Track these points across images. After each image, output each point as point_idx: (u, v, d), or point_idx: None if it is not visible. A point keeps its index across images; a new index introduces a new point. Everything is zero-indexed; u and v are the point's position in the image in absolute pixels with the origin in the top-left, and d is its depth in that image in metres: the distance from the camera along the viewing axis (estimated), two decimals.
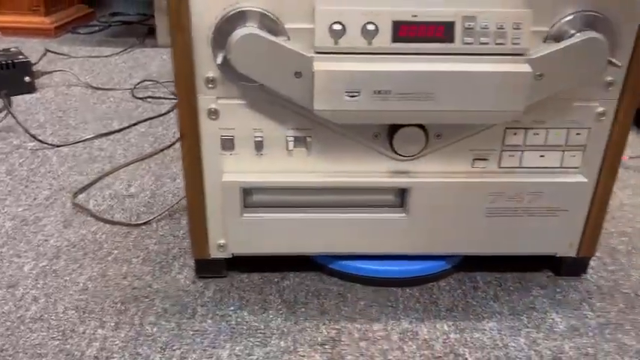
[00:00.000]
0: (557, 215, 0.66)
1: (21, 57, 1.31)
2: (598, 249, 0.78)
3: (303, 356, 0.60)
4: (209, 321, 0.64)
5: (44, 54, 1.55)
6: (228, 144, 0.62)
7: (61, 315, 0.64)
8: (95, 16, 2.16)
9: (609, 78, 0.60)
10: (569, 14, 0.57)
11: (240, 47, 0.54)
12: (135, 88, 1.37)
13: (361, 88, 0.55)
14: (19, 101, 1.28)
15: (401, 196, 0.66)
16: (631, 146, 1.12)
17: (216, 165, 0.63)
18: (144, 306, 0.66)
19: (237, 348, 0.60)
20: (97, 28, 1.98)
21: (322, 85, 0.55)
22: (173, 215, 0.85)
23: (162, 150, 1.05)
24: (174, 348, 0.60)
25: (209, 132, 0.61)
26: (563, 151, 0.64)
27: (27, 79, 1.32)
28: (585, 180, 0.64)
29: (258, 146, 0.62)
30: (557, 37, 0.57)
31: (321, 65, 0.55)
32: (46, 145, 1.07)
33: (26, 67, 1.32)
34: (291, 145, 0.62)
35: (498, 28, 0.55)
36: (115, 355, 0.59)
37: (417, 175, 0.64)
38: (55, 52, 1.62)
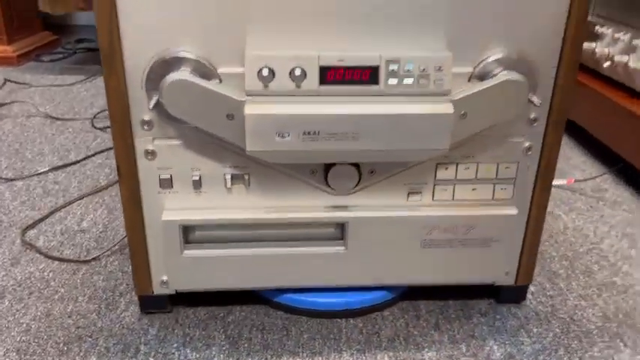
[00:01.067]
0: (490, 246, 0.68)
1: None
2: (539, 274, 0.81)
3: None
4: (151, 359, 0.64)
5: (3, 84, 1.54)
6: (166, 183, 0.63)
7: (2, 358, 0.64)
8: (60, 42, 2.16)
9: (533, 115, 0.63)
10: (492, 56, 0.59)
11: (171, 92, 0.56)
12: (95, 117, 1.37)
13: (291, 129, 0.57)
14: None
15: (341, 230, 0.67)
16: (579, 169, 1.16)
17: (156, 203, 0.64)
18: (87, 345, 0.66)
19: None
20: (61, 55, 1.98)
21: (253, 127, 0.56)
22: (123, 250, 0.85)
23: (116, 182, 1.06)
24: None
25: (147, 172, 0.62)
26: (494, 184, 0.66)
27: None
28: (516, 212, 0.67)
29: (197, 185, 0.63)
30: (482, 77, 0.60)
31: (251, 108, 0.56)
32: None
33: None
34: (229, 182, 0.63)
35: (421, 71, 0.57)
36: None
37: (355, 209, 0.66)
38: (15, 82, 1.62)
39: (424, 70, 0.57)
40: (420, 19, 0.57)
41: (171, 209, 0.64)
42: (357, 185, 0.64)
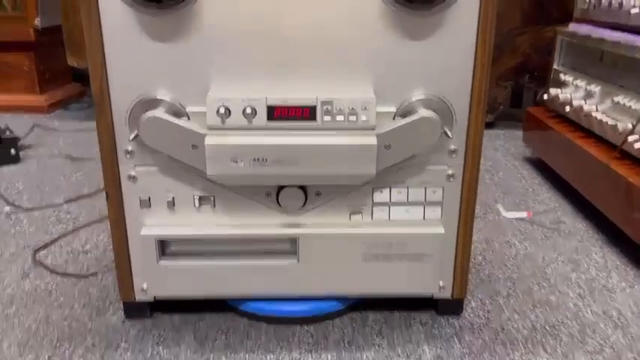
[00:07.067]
0: (423, 261, 0.78)
1: (8, 133, 1.49)
2: (482, 292, 0.90)
3: None
4: (128, 354, 0.75)
5: (32, 129, 1.73)
6: (145, 203, 0.76)
7: (5, 351, 0.76)
8: (86, 92, 2.36)
9: (452, 147, 0.74)
10: (413, 97, 0.71)
11: (146, 127, 0.69)
12: None
13: (243, 157, 0.69)
14: (4, 171, 1.44)
15: (293, 245, 0.78)
16: (544, 204, 1.25)
17: (136, 220, 0.77)
18: (76, 342, 0.78)
19: None
20: (86, 105, 2.18)
21: (212, 155, 0.69)
22: None
23: None
24: None
25: (129, 193, 0.75)
26: (424, 206, 0.77)
27: (12, 151, 1.49)
28: (442, 231, 0.77)
29: (170, 205, 0.76)
30: (405, 115, 0.72)
31: (211, 140, 0.69)
32: (20, 209, 1.21)
33: (13, 141, 1.49)
34: (197, 203, 0.76)
35: (350, 110, 0.69)
36: None
37: (304, 226, 0.77)
38: (44, 128, 1.80)
39: (353, 109, 0.69)
40: (353, 70, 0.70)
41: (149, 225, 0.77)
42: (304, 205, 0.75)
